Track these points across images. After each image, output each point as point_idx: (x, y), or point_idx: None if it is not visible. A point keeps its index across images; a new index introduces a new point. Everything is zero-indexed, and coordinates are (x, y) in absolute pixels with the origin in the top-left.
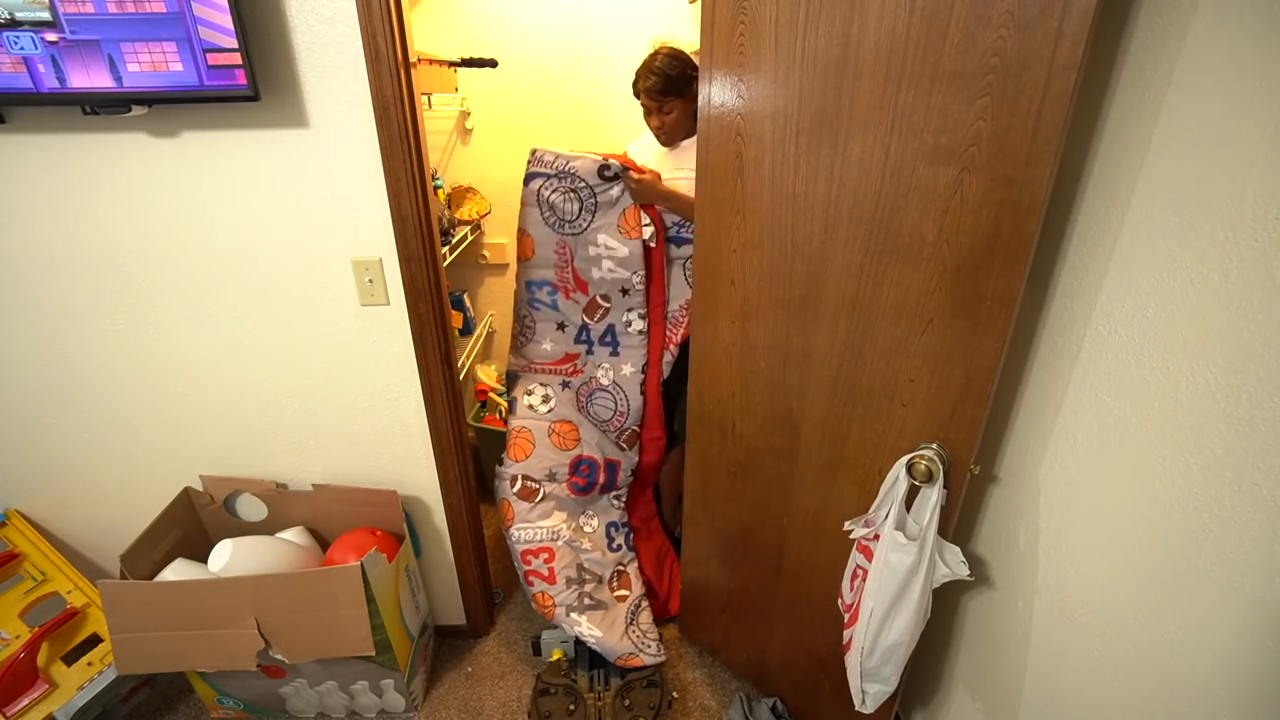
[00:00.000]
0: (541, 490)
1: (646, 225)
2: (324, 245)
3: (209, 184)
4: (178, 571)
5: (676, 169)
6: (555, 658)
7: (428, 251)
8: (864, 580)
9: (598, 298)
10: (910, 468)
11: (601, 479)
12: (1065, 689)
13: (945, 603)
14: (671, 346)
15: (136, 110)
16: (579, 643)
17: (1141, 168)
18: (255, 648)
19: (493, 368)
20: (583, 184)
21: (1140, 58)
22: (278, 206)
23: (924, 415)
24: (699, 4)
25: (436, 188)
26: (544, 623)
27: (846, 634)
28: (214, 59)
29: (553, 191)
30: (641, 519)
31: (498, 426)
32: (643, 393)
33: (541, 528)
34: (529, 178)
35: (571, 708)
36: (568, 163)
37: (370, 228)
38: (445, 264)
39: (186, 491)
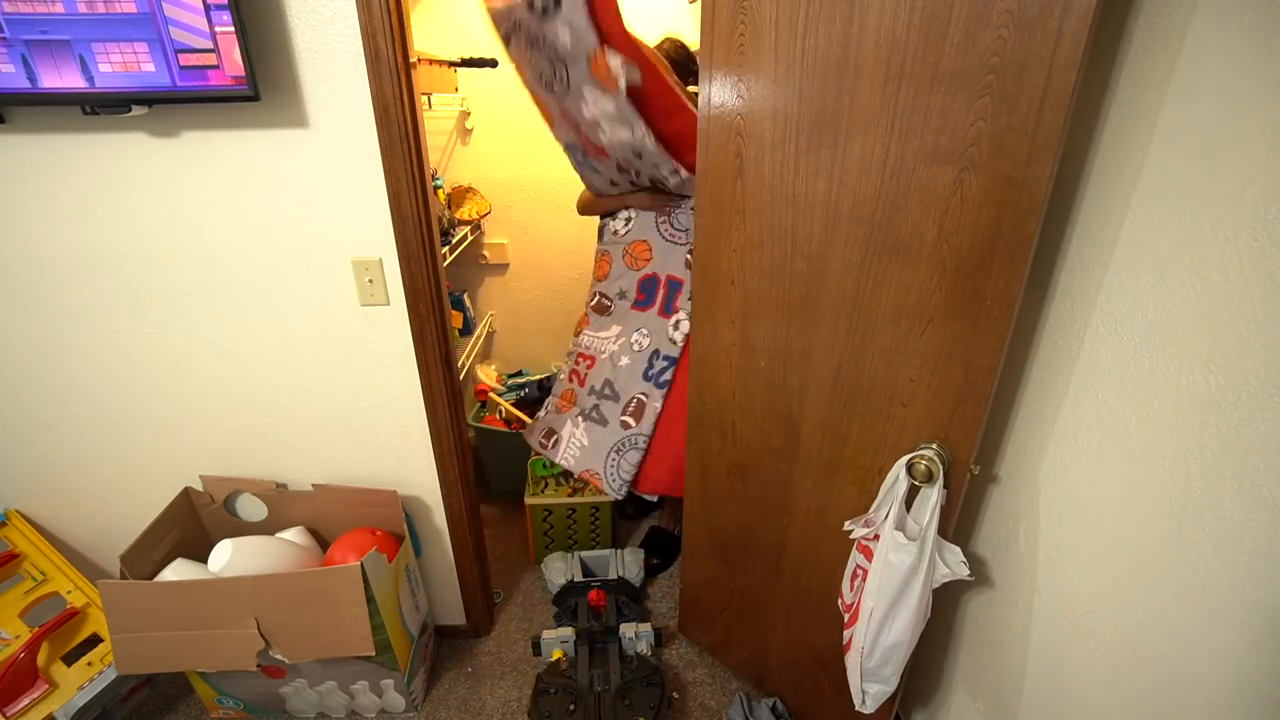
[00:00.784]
0: (613, 306)
1: (621, 67)
2: (324, 245)
3: (209, 184)
4: (178, 571)
5: None
6: (555, 658)
7: (428, 251)
8: (864, 580)
9: (618, 161)
10: (910, 468)
11: (661, 294)
12: (1065, 689)
13: (945, 603)
14: None
15: (136, 110)
16: (578, 643)
17: (1141, 167)
18: (255, 648)
19: (493, 368)
20: (537, 32)
21: (1140, 57)
22: (277, 206)
23: (924, 415)
24: (699, 4)
25: (436, 188)
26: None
27: (846, 634)
28: (186, 59)
29: (529, 47)
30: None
31: (498, 426)
32: None
33: (599, 338)
34: (504, 39)
35: (571, 708)
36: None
37: (370, 228)
38: (445, 264)
39: (186, 491)
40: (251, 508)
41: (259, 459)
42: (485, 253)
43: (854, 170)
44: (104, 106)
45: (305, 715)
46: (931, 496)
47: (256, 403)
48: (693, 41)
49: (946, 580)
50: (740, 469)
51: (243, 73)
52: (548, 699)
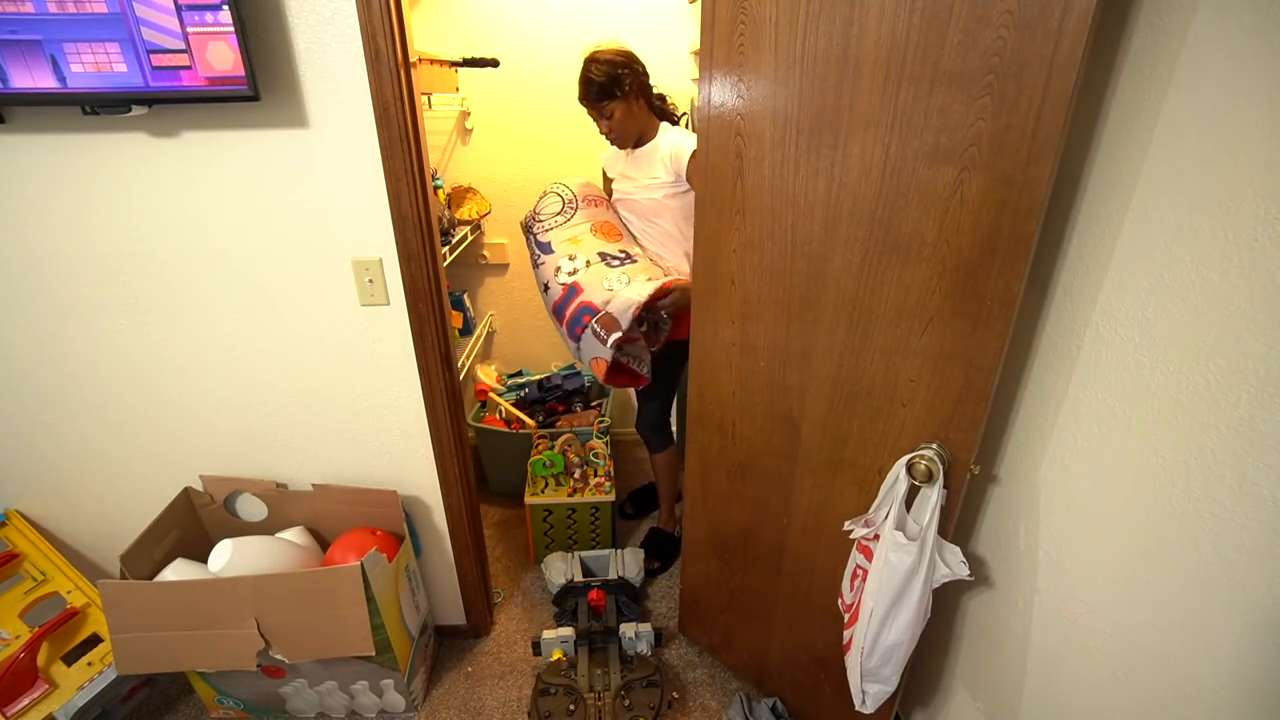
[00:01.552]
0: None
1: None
2: (324, 245)
3: (209, 184)
4: (178, 571)
5: (633, 179)
6: (555, 658)
7: (428, 251)
8: (864, 580)
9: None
10: (910, 467)
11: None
12: (1065, 689)
13: (945, 603)
14: None
15: (137, 110)
16: (578, 643)
17: (1141, 167)
18: (255, 648)
19: (493, 368)
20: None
21: (1140, 57)
22: (278, 206)
23: (924, 415)
24: (699, 4)
25: (436, 188)
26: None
27: (846, 634)
28: (158, 60)
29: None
30: None
31: (498, 426)
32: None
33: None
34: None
35: (571, 708)
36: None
37: (370, 228)
38: (445, 264)
39: (186, 491)
40: (251, 508)
41: (259, 459)
42: (485, 253)
43: (854, 170)
44: (104, 106)
45: (305, 715)
46: (931, 496)
47: (256, 402)
48: (691, 43)
49: (946, 580)
50: (740, 469)
51: (217, 73)
52: (548, 699)
